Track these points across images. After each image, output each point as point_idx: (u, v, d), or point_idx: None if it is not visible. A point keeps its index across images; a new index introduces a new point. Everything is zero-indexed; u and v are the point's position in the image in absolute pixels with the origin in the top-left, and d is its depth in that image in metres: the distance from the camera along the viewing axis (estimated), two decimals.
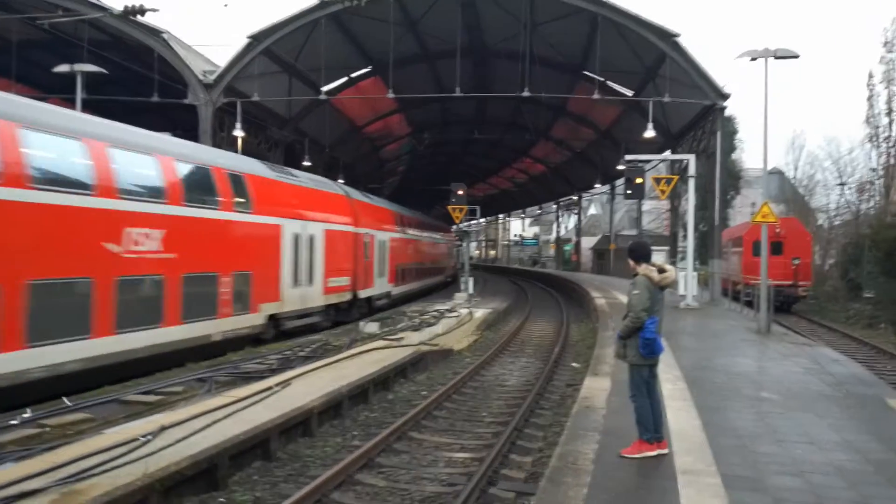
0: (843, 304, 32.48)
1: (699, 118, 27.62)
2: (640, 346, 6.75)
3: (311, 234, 19.33)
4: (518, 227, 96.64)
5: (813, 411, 8.94)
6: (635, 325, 6.75)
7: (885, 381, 12.87)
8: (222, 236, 15.09)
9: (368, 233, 24.60)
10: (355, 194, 25.60)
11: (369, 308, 24.93)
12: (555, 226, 72.20)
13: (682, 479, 6.20)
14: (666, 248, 35.73)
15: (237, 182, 15.85)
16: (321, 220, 20.15)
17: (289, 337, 17.61)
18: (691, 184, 23.47)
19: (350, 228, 22.80)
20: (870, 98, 39.57)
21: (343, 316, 22.29)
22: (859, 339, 22.73)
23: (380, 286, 26.39)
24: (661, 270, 6.90)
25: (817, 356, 13.84)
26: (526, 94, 25.53)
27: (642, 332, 6.71)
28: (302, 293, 18.86)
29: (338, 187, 24.06)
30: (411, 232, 34.38)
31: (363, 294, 24.07)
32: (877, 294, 29.21)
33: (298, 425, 9.17)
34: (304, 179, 20.61)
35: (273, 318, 17.29)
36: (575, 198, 60.48)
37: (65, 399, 9.93)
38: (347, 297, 22.58)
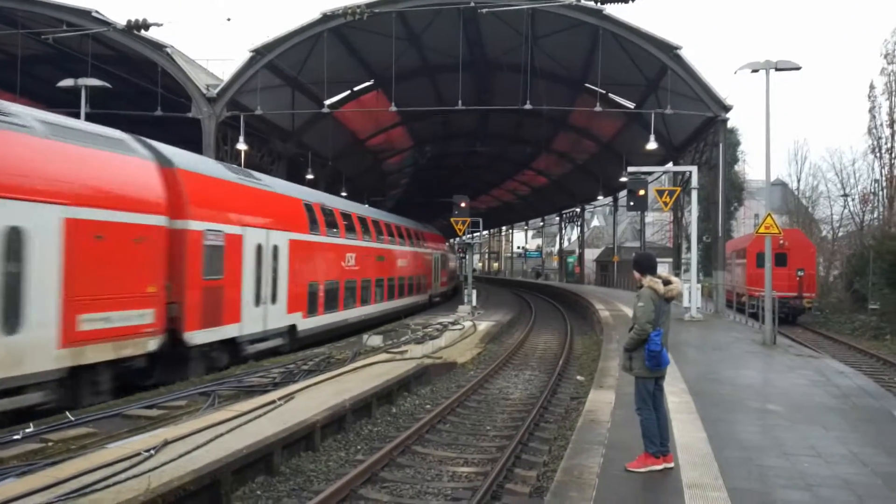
0: (848, 316, 32.37)
1: (701, 130, 27.67)
2: (646, 359, 6.73)
3: (17, 226, 9.68)
4: (521, 239, 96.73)
5: (819, 424, 8.88)
6: (640, 337, 6.74)
7: (892, 394, 12.82)
8: None
9: (221, 230, 14.76)
10: (196, 163, 15.45)
11: (235, 357, 15.36)
12: (558, 238, 72.22)
13: (688, 494, 6.16)
14: (669, 259, 35.74)
15: None
16: (55, 200, 10.31)
17: None
18: (694, 195, 23.48)
19: (161, 221, 12.87)
20: (871, 109, 39.70)
21: (160, 376, 13.02)
22: (865, 351, 22.63)
23: (261, 320, 16.52)
24: (667, 282, 6.88)
25: (823, 368, 13.77)
26: (527, 106, 25.64)
27: (648, 345, 6.70)
28: None
29: (137, 144, 13.31)
30: (353, 235, 23.96)
31: (206, 336, 14.12)
32: (882, 305, 29.12)
33: (302, 439, 9.12)
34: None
35: None
36: (578, 210, 60.57)
37: (68, 413, 9.91)
38: (151, 345, 12.49)
